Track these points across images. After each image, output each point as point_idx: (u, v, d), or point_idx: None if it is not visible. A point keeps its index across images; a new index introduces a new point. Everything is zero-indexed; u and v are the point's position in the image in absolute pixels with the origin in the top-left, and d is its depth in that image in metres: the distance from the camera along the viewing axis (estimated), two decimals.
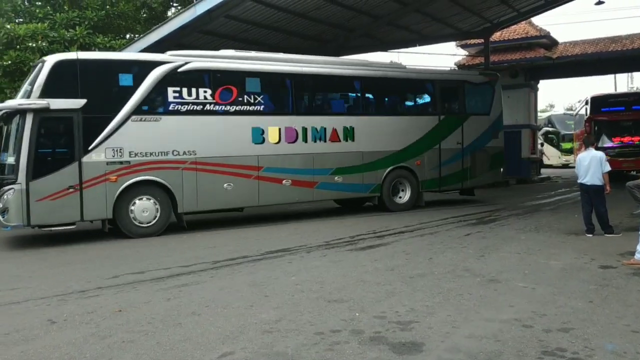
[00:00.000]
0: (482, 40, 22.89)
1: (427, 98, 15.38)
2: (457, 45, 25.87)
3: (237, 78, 11.70)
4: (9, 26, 14.73)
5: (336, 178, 12.80)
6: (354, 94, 13.93)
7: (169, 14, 20.33)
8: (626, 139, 21.13)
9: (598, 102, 22.46)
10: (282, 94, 12.84)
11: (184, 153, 10.98)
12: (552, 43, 24.50)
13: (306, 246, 9.22)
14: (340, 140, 12.85)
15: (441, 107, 14.75)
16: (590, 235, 9.35)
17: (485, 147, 15.11)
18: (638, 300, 5.44)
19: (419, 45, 21.76)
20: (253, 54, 12.73)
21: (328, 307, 5.53)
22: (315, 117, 12.74)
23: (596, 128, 21.54)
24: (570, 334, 4.54)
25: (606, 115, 21.74)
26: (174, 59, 11.08)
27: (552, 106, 60.26)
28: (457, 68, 27.60)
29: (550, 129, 37.53)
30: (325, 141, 12.64)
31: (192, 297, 6.15)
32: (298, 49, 19.92)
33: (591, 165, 9.32)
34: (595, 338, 4.46)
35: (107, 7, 16.54)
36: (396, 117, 14.00)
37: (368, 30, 19.34)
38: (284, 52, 19.60)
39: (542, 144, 29.54)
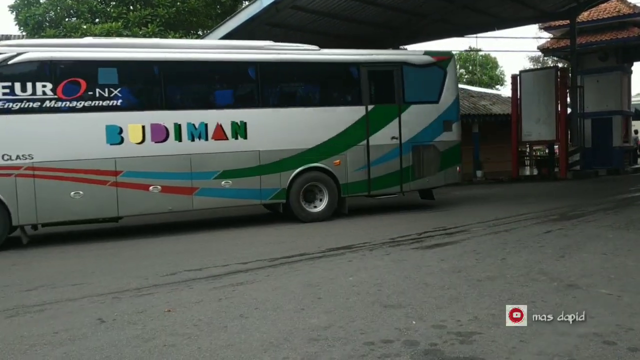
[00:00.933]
0: (568, 22, 21.38)
1: (349, 85, 12.53)
2: (541, 28, 24.42)
3: (86, 69, 10.06)
4: (85, 27, 15.24)
5: (223, 183, 10.79)
6: (246, 83, 11.76)
7: (240, 8, 20.38)
8: None
9: None
10: (147, 85, 10.94)
11: (18, 157, 9.52)
12: None
13: (369, 243, 8.81)
14: (227, 138, 10.83)
15: (369, 96, 12.12)
16: None
17: (433, 142, 12.58)
18: None
19: (497, 29, 20.68)
20: (111, 40, 11.53)
21: (383, 313, 5.11)
22: (193, 112, 10.78)
23: None
24: None
25: None
26: (3, 49, 9.68)
27: None
28: (540, 52, 26.09)
29: None
30: (206, 139, 10.67)
31: (244, 297, 5.93)
32: (368, 38, 19.52)
33: None
34: None
35: (178, 3, 16.80)
36: (306, 109, 11.70)
37: (443, 15, 18.55)
38: (352, 42, 19.25)
39: (636, 132, 27.26)
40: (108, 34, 15.45)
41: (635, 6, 22.25)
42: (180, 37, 16.50)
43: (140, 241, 10.16)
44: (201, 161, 10.63)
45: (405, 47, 26.92)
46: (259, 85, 11.43)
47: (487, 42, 74.29)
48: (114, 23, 15.36)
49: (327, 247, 8.69)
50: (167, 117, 10.46)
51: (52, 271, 7.89)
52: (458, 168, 13.19)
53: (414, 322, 4.81)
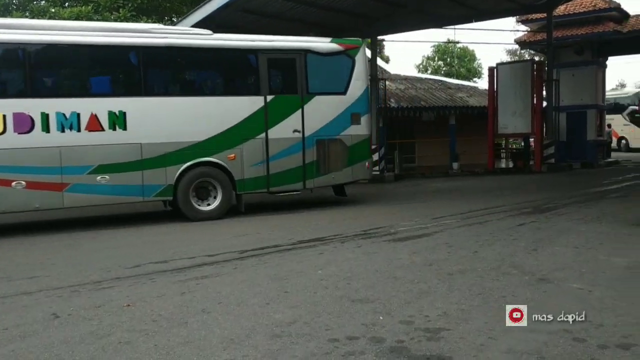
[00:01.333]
0: (545, 15, 21.41)
1: (246, 73, 11.70)
2: (518, 21, 24.44)
3: None
4: (53, 10, 14.74)
5: (99, 178, 9.90)
6: (127, 69, 10.84)
7: None
8: None
9: None
10: (9, 70, 9.99)
11: None
12: (623, 16, 22.63)
13: (341, 235, 8.65)
14: (103, 129, 9.91)
15: (268, 85, 11.26)
16: None
17: (339, 136, 11.83)
18: None
19: (475, 21, 20.55)
20: None
21: (350, 308, 4.94)
22: (63, 100, 9.80)
23: None
24: (631, 352, 3.78)
25: None
26: None
27: (622, 85, 56.63)
28: (517, 45, 26.15)
29: (638, 108, 34.70)
30: (79, 130, 9.74)
31: (207, 291, 5.71)
32: (345, 27, 19.28)
33: None
34: None
35: None
36: (196, 99, 10.96)
37: (420, 6, 18.32)
38: (329, 31, 19.01)
39: (609, 126, 27.52)
40: (77, 17, 14.99)
41: (611, 1, 22.36)
42: (153, 23, 16.04)
43: (108, 232, 9.85)
44: (73, 154, 9.71)
45: (384, 37, 26.87)
46: (142, 72, 10.51)
47: (465, 34, 74.73)
48: (83, 7, 14.90)
49: (298, 239, 8.51)
50: (33, 106, 9.50)
51: (7, 263, 7.56)
52: (367, 163, 12.48)
53: (381, 318, 4.65)
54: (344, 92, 11.92)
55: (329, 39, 12.14)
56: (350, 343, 4.12)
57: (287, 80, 11.95)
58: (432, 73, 39.09)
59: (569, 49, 22.91)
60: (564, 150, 22.14)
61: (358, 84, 12.05)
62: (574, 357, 3.72)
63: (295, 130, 11.37)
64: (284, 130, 11.31)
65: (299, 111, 11.41)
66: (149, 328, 4.61)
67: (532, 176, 18.91)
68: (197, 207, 10.77)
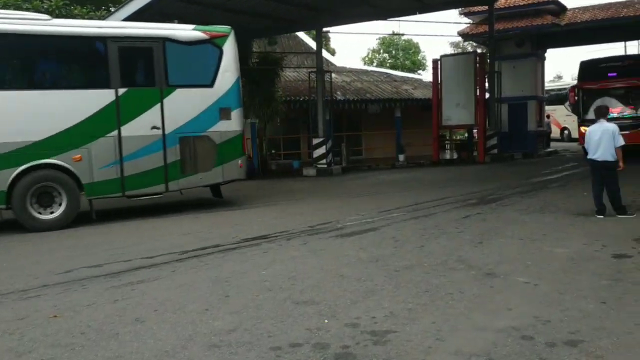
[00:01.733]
0: (487, 8, 21.72)
1: (93, 63, 10.45)
2: (461, 14, 24.69)
3: None
4: None
5: None
6: None
7: None
8: (619, 110, 18.28)
9: (588, 68, 19.55)
10: None
11: None
12: (561, 9, 23.27)
13: (288, 232, 8.42)
14: None
15: (120, 77, 10.09)
16: (601, 217, 8.47)
17: (206, 133, 10.85)
18: None
19: (419, 13, 20.56)
20: None
21: (294, 312, 4.72)
22: None
23: (584, 98, 18.98)
24: (579, 349, 3.71)
25: (596, 83, 18.79)
26: None
27: (560, 77, 58.65)
28: (460, 37, 26.50)
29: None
30: None
31: (143, 297, 5.36)
32: (291, 19, 18.98)
33: (603, 139, 8.40)
34: (610, 354, 3.63)
35: None
36: (31, 93, 9.59)
37: None
38: (274, 21, 18.65)
39: (548, 116, 28.34)
40: (5, 6, 14.08)
41: None
42: (88, 12, 15.28)
43: (40, 234, 9.26)
44: None
45: (328, 29, 26.67)
46: None
47: (410, 27, 75.54)
48: None
49: (243, 237, 8.22)
50: None
51: None
52: (240, 162, 11.36)
53: (326, 321, 4.45)
54: (210, 85, 10.93)
55: (192, 26, 10.99)
56: (293, 351, 3.89)
57: (143, 72, 10.87)
58: (377, 66, 39.20)
59: (510, 41, 23.36)
60: (506, 141, 22.58)
61: (227, 76, 11.07)
62: (522, 357, 3.62)
63: (154, 127, 10.33)
64: (141, 126, 10.24)
65: (158, 105, 10.37)
66: (76, 342, 4.25)
67: (476, 167, 19.19)
68: (37, 215, 9.54)
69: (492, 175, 15.92)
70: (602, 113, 8.62)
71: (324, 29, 23.24)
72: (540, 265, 5.88)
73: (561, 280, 5.29)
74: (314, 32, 21.54)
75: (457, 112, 21.31)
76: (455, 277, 5.56)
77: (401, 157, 22.17)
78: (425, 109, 23.05)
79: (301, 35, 27.35)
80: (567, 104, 23.96)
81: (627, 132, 15.83)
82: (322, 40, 39.39)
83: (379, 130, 24.44)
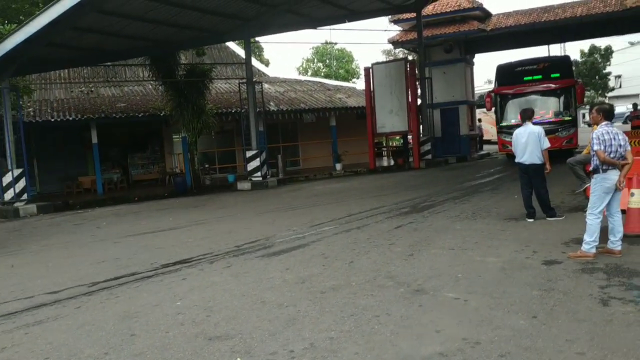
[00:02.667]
0: (415, 15, 21.93)
1: None
2: (390, 21, 24.86)
3: None
4: None
5: None
6: None
7: None
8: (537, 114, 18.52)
9: (504, 72, 19.26)
10: None
11: None
12: (486, 15, 23.79)
13: (212, 254, 7.89)
14: None
15: None
16: (531, 220, 8.39)
17: None
18: (590, 312, 4.39)
19: (349, 21, 20.52)
20: None
21: (205, 349, 4.23)
22: None
23: (501, 103, 18.76)
24: None
25: (512, 88, 18.54)
26: None
27: (490, 82, 60.48)
28: (391, 45, 26.66)
29: None
30: None
31: (36, 342, 4.73)
32: (217, 30, 18.44)
33: (529, 142, 8.33)
34: None
35: None
36: None
37: (292, 6, 17.90)
38: (199, 33, 18.05)
39: (480, 120, 28.92)
40: None
41: (474, 0, 23.37)
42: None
43: None
44: None
45: (258, 39, 26.23)
46: None
47: (343, 36, 75.98)
48: None
49: (163, 262, 7.63)
50: None
51: None
52: None
53: (239, 359, 3.99)
54: None
55: None
56: None
57: None
58: (312, 75, 39.10)
59: (439, 47, 23.66)
60: (440, 146, 22.83)
61: None
62: None
63: None
64: None
65: None
66: None
67: (411, 173, 19.18)
68: None
69: (426, 181, 15.87)
70: (528, 116, 8.56)
71: (253, 39, 22.75)
72: (471, 277, 5.63)
73: (492, 293, 5.04)
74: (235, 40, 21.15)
75: (390, 119, 21.31)
76: (384, 296, 5.22)
77: (338, 166, 21.96)
78: (361, 117, 22.98)
79: (232, 46, 26.83)
80: (483, 110, 24.35)
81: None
82: (256, 51, 38.98)
83: (315, 140, 24.17)
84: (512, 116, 18.23)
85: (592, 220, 5.96)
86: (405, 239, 7.78)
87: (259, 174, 18.47)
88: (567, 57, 20.49)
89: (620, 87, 59.71)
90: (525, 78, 18.28)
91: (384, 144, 29.02)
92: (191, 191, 18.67)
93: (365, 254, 7.08)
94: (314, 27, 20.92)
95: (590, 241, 5.93)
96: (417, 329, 4.31)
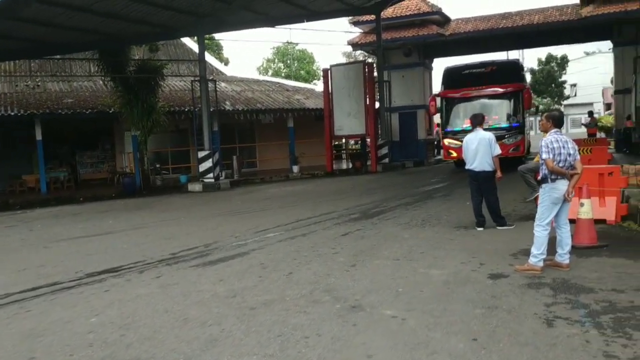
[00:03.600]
0: (374, 17, 21.70)
1: None
2: (350, 22, 24.61)
3: None
4: None
5: None
6: None
7: None
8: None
9: (451, 75, 18.17)
10: None
11: None
12: (445, 20, 23.77)
13: (144, 262, 7.35)
14: None
15: None
16: (481, 229, 8.15)
17: None
18: (534, 334, 4.07)
19: (307, 21, 20.15)
20: None
21: None
22: None
23: (447, 107, 17.74)
24: None
25: (458, 91, 17.40)
26: None
27: None
28: (350, 47, 26.40)
29: None
30: None
31: None
32: (171, 25, 17.78)
33: (480, 148, 8.08)
34: None
35: None
36: None
37: (246, 4, 17.35)
38: (153, 28, 17.35)
39: (438, 125, 28.91)
40: None
41: (433, 5, 23.35)
42: None
43: None
44: None
45: (214, 35, 25.61)
46: None
47: (304, 36, 75.41)
48: None
49: (89, 270, 7.06)
50: None
51: None
52: None
53: None
54: None
55: None
56: None
57: None
58: (273, 75, 38.60)
59: (398, 51, 23.52)
60: (398, 150, 22.66)
61: None
62: None
63: None
64: None
65: None
66: None
67: (368, 177, 18.92)
68: None
69: (382, 185, 15.61)
70: (479, 121, 8.30)
71: (210, 36, 22.15)
72: (412, 292, 5.28)
73: (432, 311, 4.69)
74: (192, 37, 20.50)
75: (348, 121, 21.03)
76: (318, 313, 4.82)
77: (295, 169, 21.56)
78: (320, 119, 22.61)
79: (190, 43, 26.07)
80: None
81: None
82: (215, 48, 38.23)
83: (273, 141, 23.69)
84: (457, 121, 17.33)
85: (540, 232, 5.70)
86: (351, 248, 7.41)
87: (211, 175, 17.88)
88: (516, 61, 19.57)
89: (575, 95, 61.25)
90: (472, 82, 17.17)
91: (344, 147, 28.77)
92: (140, 192, 17.93)
93: (307, 264, 6.68)
94: (272, 25, 20.44)
95: (537, 254, 5.67)
96: (346, 353, 3.92)
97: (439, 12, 23.03)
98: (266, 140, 24.00)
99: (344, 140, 27.12)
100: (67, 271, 7.10)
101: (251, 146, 24.45)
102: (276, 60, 44.13)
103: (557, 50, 54.16)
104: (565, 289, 5.08)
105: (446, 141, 17.62)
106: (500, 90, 16.79)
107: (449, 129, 17.62)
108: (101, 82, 21.96)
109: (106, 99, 19.62)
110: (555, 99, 56.81)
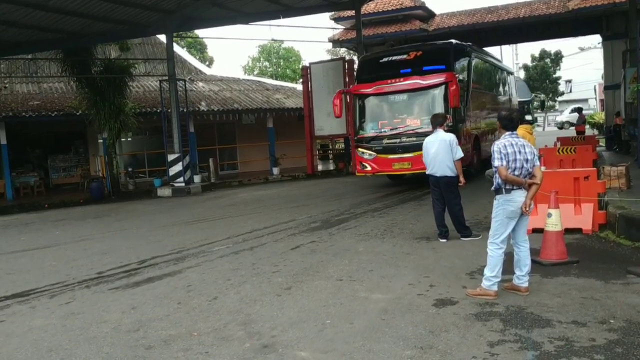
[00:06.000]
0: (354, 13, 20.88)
1: None
2: (331, 18, 23.77)
3: None
4: None
5: None
6: None
7: None
8: (399, 123, 12.70)
9: (366, 65, 14.45)
10: None
11: None
12: (429, 15, 22.99)
13: (62, 284, 6.58)
14: None
15: None
16: (444, 241, 7.36)
17: None
18: None
19: (284, 17, 19.28)
20: None
21: None
22: None
23: (358, 107, 13.73)
24: None
25: (369, 86, 13.27)
26: None
27: None
28: (331, 44, 25.58)
29: None
30: None
31: None
32: (137, 22, 16.97)
33: (440, 151, 7.29)
34: None
35: None
36: None
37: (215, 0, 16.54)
38: (117, 25, 16.49)
39: None
40: None
41: (417, 0, 22.54)
42: None
43: None
44: None
45: (197, 34, 24.74)
46: None
47: (289, 33, 73.82)
48: None
49: (2, 293, 6.28)
50: None
51: None
52: None
53: None
54: None
55: None
56: None
57: None
58: (258, 74, 37.77)
59: (381, 47, 22.66)
60: None
61: None
62: None
63: None
64: None
65: None
66: None
67: (347, 179, 18.13)
68: None
69: (356, 188, 14.80)
70: (439, 122, 7.48)
71: (185, 33, 21.33)
72: (340, 324, 4.49)
73: (354, 352, 3.90)
74: (177, 37, 19.68)
75: (329, 121, 20.12)
76: (220, 355, 4.03)
77: (275, 171, 20.80)
78: (302, 119, 21.76)
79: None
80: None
81: (409, 154, 12.12)
82: (198, 47, 37.42)
83: (254, 142, 22.87)
84: (370, 125, 13.38)
85: (494, 250, 4.91)
86: (294, 265, 6.61)
87: (181, 179, 17.08)
88: (448, 44, 13.81)
89: (570, 91, 60.52)
90: (390, 73, 13.02)
91: (330, 147, 27.94)
92: (109, 197, 17.15)
93: (238, 286, 5.88)
94: (246, 22, 19.62)
95: (490, 276, 4.88)
96: None
97: (422, 6, 22.25)
98: (247, 142, 23.19)
99: (330, 141, 26.29)
100: None
101: (232, 148, 23.65)
102: (261, 58, 43.26)
103: (551, 46, 53.42)
104: (517, 322, 4.29)
105: (358, 151, 13.59)
106: (422, 82, 12.42)
107: (360, 134, 13.57)
108: (73, 83, 21.16)
109: (74, 101, 18.80)
110: (550, 96, 56.01)
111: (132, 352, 4.22)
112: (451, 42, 13.92)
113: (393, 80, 12.83)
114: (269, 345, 4.15)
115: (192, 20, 17.75)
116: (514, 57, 54.36)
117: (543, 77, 54.74)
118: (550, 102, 55.30)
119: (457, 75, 12.44)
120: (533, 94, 28.48)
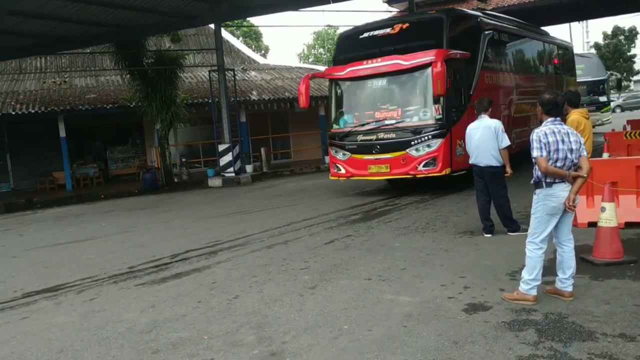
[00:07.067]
0: None
1: None
2: (384, 1, 23.10)
3: None
4: None
5: None
6: None
7: None
8: (379, 115, 10.69)
9: (344, 43, 12.09)
10: None
11: None
12: None
13: (92, 279, 6.55)
14: None
15: None
16: (489, 236, 6.84)
17: None
18: None
19: (334, 2, 18.80)
20: None
21: None
22: None
23: (334, 93, 11.67)
24: None
25: (344, 68, 11.12)
26: None
27: None
28: None
29: None
30: None
31: None
32: (185, 13, 17.02)
33: (484, 138, 6.74)
34: None
35: None
36: None
37: None
38: (164, 17, 16.59)
39: None
40: None
41: None
42: None
43: None
44: None
45: (252, 23, 24.74)
46: None
47: (335, 17, 72.20)
48: None
49: (31, 289, 6.32)
50: None
51: None
52: None
53: None
54: None
55: None
56: None
57: None
58: (313, 61, 37.48)
59: None
60: None
61: None
62: None
63: None
64: None
65: None
66: None
67: None
68: None
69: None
70: (484, 107, 6.91)
71: (240, 22, 21.29)
72: (358, 331, 4.14)
73: None
74: (233, 27, 19.66)
75: None
76: None
77: (327, 159, 20.45)
78: None
79: (223, 32, 25.30)
80: None
81: (387, 155, 10.42)
82: (253, 36, 37.51)
83: (307, 131, 22.65)
84: (344, 117, 11.36)
85: (533, 251, 4.41)
86: (325, 262, 6.29)
87: (231, 169, 17.09)
88: (442, 12, 11.57)
89: None
90: (370, 52, 10.87)
91: None
92: (162, 188, 17.40)
93: (262, 284, 5.63)
94: (296, 8, 19.25)
95: (529, 280, 4.38)
96: None
97: None
98: (300, 130, 23.01)
99: None
100: (6, 290, 6.39)
101: (285, 136, 23.54)
102: (316, 45, 42.89)
103: (625, 22, 50.13)
104: (555, 332, 3.80)
105: (332, 149, 11.52)
106: (404, 63, 10.17)
107: (334, 129, 11.52)
108: (129, 75, 21.62)
109: (127, 94, 19.17)
110: (624, 75, 52.75)
111: (138, 356, 4.05)
112: (447, 10, 11.84)
113: (369, 61, 10.64)
114: (276, 353, 3.87)
115: (240, 9, 17.61)
116: (584, 35, 51.45)
117: (616, 56, 51.62)
118: (625, 82, 52.11)
119: (450, 53, 10.01)
120: (608, 72, 26.08)
